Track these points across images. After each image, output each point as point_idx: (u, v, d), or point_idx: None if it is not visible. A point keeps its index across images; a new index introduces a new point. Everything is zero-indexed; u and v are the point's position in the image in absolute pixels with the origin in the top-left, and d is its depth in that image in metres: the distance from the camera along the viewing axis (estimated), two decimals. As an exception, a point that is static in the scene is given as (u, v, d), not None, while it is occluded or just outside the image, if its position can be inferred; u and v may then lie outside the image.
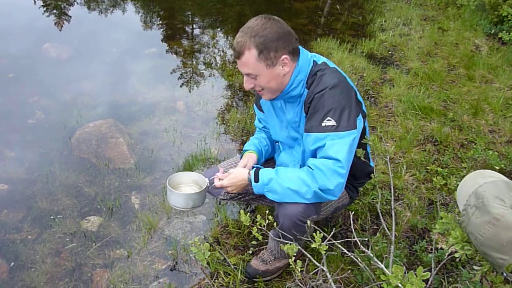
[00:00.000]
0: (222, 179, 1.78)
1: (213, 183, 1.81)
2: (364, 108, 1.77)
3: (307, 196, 1.61)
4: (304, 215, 1.65)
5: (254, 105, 2.07)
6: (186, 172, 1.99)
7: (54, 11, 5.62)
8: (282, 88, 1.69)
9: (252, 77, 1.65)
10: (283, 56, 1.61)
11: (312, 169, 1.59)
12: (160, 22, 5.67)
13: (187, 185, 1.92)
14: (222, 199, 2.07)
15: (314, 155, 1.65)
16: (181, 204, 1.81)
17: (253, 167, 1.80)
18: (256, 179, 1.68)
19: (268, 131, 2.07)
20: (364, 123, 1.75)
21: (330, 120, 1.58)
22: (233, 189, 1.78)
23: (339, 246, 1.40)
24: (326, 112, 1.58)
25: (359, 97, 1.73)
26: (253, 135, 2.13)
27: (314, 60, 1.71)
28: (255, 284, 1.98)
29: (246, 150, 1.98)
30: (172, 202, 1.83)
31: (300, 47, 1.71)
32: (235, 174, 1.77)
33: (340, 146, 1.57)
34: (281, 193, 1.65)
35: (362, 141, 1.73)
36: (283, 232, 1.68)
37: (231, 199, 2.06)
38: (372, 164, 1.97)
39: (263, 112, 2.00)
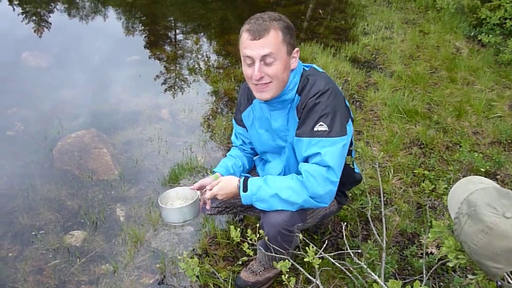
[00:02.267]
0: (211, 189, 1.74)
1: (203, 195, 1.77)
2: (351, 113, 1.76)
3: (297, 204, 1.59)
4: (289, 223, 1.63)
5: (233, 119, 2.01)
6: (177, 188, 1.94)
7: (34, 18, 5.50)
8: (285, 85, 1.64)
9: (269, 62, 1.55)
10: (296, 48, 1.63)
11: (303, 177, 1.57)
12: (142, 28, 5.60)
13: (178, 200, 1.88)
14: (209, 214, 2.03)
15: (305, 160, 1.63)
16: (175, 219, 1.77)
17: (240, 175, 1.75)
18: (245, 189, 1.64)
19: (246, 147, 2.03)
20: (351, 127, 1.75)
21: (322, 125, 1.57)
22: (223, 197, 1.72)
23: (332, 260, 1.38)
24: (318, 117, 1.57)
25: (346, 102, 1.73)
26: (228, 152, 2.06)
27: (303, 67, 1.72)
28: (246, 296, 1.94)
29: (214, 172, 1.90)
30: (166, 218, 1.79)
31: None
32: (225, 181, 1.72)
33: (332, 153, 1.56)
34: (269, 202, 1.62)
35: (350, 147, 1.72)
36: (269, 242, 1.65)
37: (219, 213, 2.02)
38: (357, 169, 1.95)
39: (245, 127, 1.95)
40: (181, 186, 2.21)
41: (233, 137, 2.08)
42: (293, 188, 1.58)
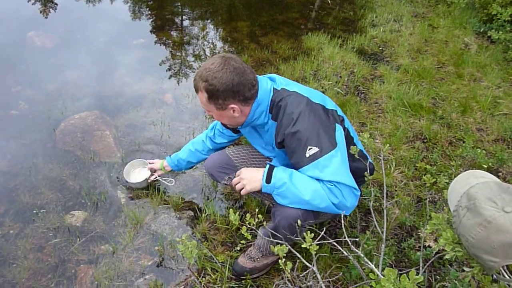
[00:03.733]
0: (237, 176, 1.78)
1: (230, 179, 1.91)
2: (339, 113, 1.77)
3: (320, 207, 1.59)
4: (302, 218, 1.64)
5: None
6: (139, 161, 2.60)
7: (40, -2, 5.46)
8: (240, 122, 1.76)
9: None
10: (231, 106, 1.66)
11: (331, 186, 1.58)
12: (149, 12, 5.55)
13: (137, 169, 2.61)
14: (225, 184, 2.11)
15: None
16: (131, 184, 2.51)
17: (267, 164, 1.74)
18: (268, 179, 1.64)
19: (210, 142, 2.22)
20: (344, 126, 1.77)
21: (312, 148, 1.58)
22: (246, 185, 1.71)
23: (334, 243, 1.38)
24: (304, 143, 1.59)
25: (328, 105, 1.73)
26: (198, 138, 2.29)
27: (273, 88, 1.72)
28: (243, 282, 1.96)
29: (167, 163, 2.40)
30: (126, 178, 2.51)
31: (259, 77, 1.72)
32: (252, 171, 1.74)
33: (335, 169, 1.58)
34: (292, 200, 1.61)
35: (351, 151, 1.72)
36: (275, 230, 1.67)
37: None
38: (370, 160, 1.96)
39: (239, 132, 2.07)
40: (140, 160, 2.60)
41: (210, 128, 2.22)
42: (319, 193, 1.57)
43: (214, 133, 2.20)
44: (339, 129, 1.68)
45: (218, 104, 1.67)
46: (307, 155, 1.58)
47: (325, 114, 1.68)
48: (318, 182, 1.59)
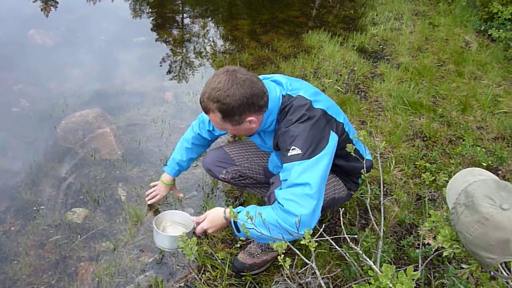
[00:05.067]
0: (199, 222, 1.77)
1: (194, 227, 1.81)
2: (338, 119, 1.76)
3: (292, 232, 1.50)
4: None
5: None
6: (172, 211, 2.08)
7: (41, -4, 5.47)
8: (254, 131, 1.76)
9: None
10: (248, 118, 1.64)
11: (283, 205, 1.52)
12: (150, 10, 5.56)
13: (173, 223, 2.01)
14: (223, 178, 2.11)
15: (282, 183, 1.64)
16: (166, 245, 1.85)
17: (225, 208, 1.69)
18: (237, 229, 1.62)
19: (199, 138, 2.18)
20: (344, 130, 1.77)
21: (294, 149, 1.58)
22: (213, 230, 1.75)
23: (331, 241, 1.39)
24: (290, 143, 1.60)
25: (331, 112, 1.72)
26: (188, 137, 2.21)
27: (282, 95, 1.71)
28: (243, 278, 1.97)
29: (167, 174, 2.23)
30: (158, 242, 1.87)
31: (267, 84, 1.69)
32: (212, 215, 1.74)
33: (308, 171, 1.55)
34: (265, 239, 1.54)
35: (347, 149, 1.72)
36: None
37: (232, 179, 2.10)
38: (368, 156, 1.95)
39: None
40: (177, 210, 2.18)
41: (196, 125, 2.17)
42: (280, 223, 1.50)
43: (206, 128, 2.14)
44: (332, 138, 1.67)
45: (234, 121, 1.64)
46: (289, 154, 1.59)
47: (324, 119, 1.66)
48: (274, 211, 1.54)
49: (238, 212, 1.54)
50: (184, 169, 2.25)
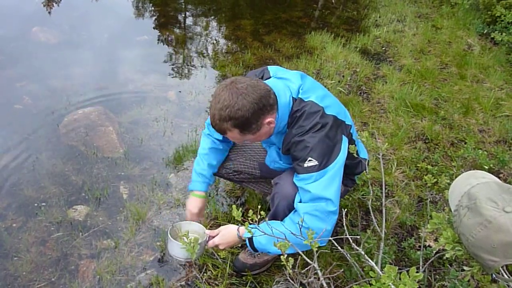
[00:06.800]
0: (213, 236, 1.77)
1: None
2: (347, 122, 1.77)
3: (307, 246, 1.46)
4: None
5: None
6: (189, 222, 1.97)
7: (44, -7, 5.48)
8: (273, 131, 1.71)
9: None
10: (266, 121, 1.61)
11: (306, 221, 1.55)
12: (153, 9, 5.57)
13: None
14: (217, 173, 2.11)
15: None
16: (180, 255, 1.79)
17: (244, 225, 1.60)
18: (253, 248, 1.66)
19: (216, 137, 2.04)
20: (350, 132, 1.78)
21: (311, 160, 1.58)
22: (225, 246, 1.76)
23: (333, 241, 1.40)
24: (306, 154, 1.59)
25: (342, 116, 1.72)
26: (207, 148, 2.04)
27: (292, 97, 1.68)
28: (243, 278, 1.97)
29: (193, 190, 1.99)
30: (172, 251, 1.82)
31: (276, 85, 1.66)
32: (225, 231, 1.75)
33: (327, 183, 1.58)
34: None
35: (350, 150, 1.72)
36: (274, 216, 1.71)
37: (226, 173, 2.11)
38: (364, 155, 1.96)
39: None
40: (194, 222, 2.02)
41: (206, 129, 2.07)
42: (299, 241, 1.46)
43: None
44: (344, 142, 1.68)
45: (253, 130, 1.61)
46: (305, 166, 1.59)
47: (336, 126, 1.66)
48: (291, 227, 1.55)
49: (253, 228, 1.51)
50: (207, 177, 2.02)
